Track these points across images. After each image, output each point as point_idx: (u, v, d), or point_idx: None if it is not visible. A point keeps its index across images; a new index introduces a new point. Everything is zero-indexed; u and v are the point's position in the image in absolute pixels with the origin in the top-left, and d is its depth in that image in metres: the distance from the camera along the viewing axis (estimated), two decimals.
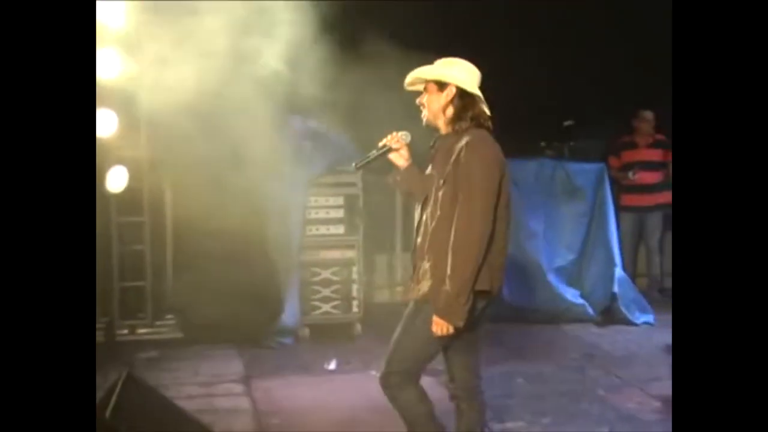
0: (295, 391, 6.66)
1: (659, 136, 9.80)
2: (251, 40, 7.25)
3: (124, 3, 7.66)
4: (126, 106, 8.06)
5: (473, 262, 4.14)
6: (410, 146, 4.59)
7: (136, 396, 4.54)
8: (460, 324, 4.19)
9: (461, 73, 4.43)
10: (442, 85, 4.40)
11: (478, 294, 4.25)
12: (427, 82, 4.46)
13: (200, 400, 6.38)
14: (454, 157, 4.25)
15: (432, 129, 4.54)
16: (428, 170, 4.51)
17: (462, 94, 4.38)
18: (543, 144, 10.02)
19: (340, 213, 8.34)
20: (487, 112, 4.42)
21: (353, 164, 4.68)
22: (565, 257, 9.11)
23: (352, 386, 6.75)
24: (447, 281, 4.16)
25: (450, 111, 4.40)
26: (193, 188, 8.06)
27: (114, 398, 4.24)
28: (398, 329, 4.44)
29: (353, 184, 8.37)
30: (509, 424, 5.91)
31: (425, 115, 4.48)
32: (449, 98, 4.38)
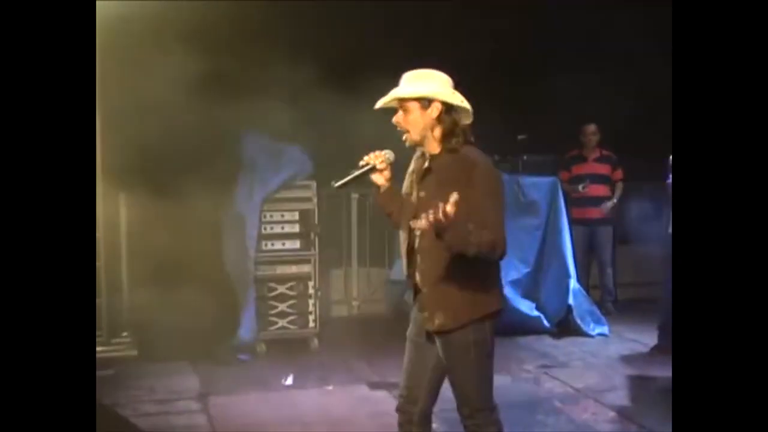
0: (252, 408, 6.63)
1: (605, 152, 10.01)
2: (205, 54, 7.28)
3: None
4: None
5: (470, 251, 3.93)
6: (392, 166, 4.35)
7: None
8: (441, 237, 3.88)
9: (442, 87, 4.17)
10: (425, 103, 4.13)
11: (489, 317, 4.21)
12: (405, 101, 4.15)
13: (157, 418, 6.34)
14: (462, 182, 3.97)
15: (412, 148, 4.30)
16: (416, 192, 4.27)
17: (448, 109, 4.13)
18: (497, 158, 10.09)
19: (295, 228, 8.34)
20: (469, 121, 4.23)
21: (332, 183, 4.32)
22: (519, 270, 9.16)
23: (309, 401, 6.75)
24: (476, 237, 3.91)
25: (438, 130, 4.14)
26: (148, 204, 8.04)
27: None
28: (444, 368, 4.32)
29: (308, 199, 8.38)
30: None
31: (407, 136, 4.18)
32: (435, 116, 4.12)
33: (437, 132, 4.16)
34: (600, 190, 9.94)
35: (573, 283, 9.03)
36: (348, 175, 4.33)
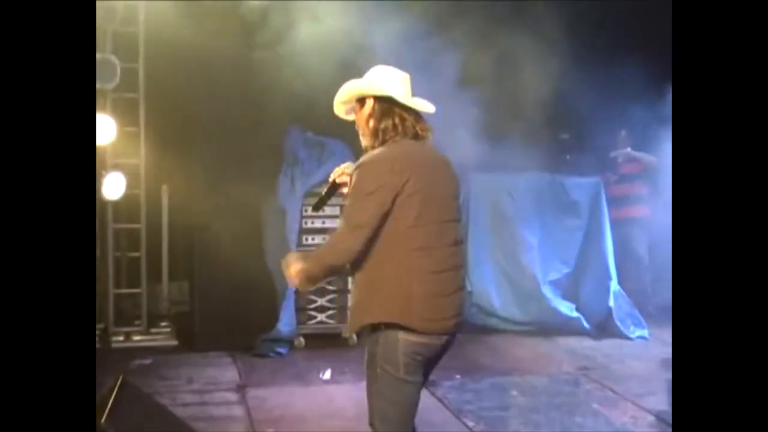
0: (289, 400, 6.65)
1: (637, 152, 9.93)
2: (252, 50, 7.30)
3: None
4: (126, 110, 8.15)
5: (326, 265, 3.95)
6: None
7: (131, 402, 4.55)
8: (295, 283, 4.05)
9: (377, 81, 4.06)
10: (362, 101, 4.07)
11: (400, 327, 3.85)
12: (353, 103, 4.14)
13: (195, 408, 6.38)
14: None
15: None
16: None
17: (381, 102, 4.01)
18: (539, 157, 10.04)
19: (336, 223, 8.32)
20: (414, 107, 4.05)
21: (311, 208, 4.42)
22: (560, 270, 9.12)
23: (346, 396, 6.75)
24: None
25: (372, 123, 4.03)
26: (191, 197, 8.09)
27: (109, 404, 4.25)
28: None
29: None
30: None
31: (361, 138, 4.15)
32: (370, 110, 4.03)
33: (372, 126, 4.04)
34: (631, 189, 9.85)
35: (614, 285, 8.96)
36: (320, 196, 4.44)
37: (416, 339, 3.87)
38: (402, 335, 3.85)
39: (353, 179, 3.91)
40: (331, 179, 4.33)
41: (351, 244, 3.85)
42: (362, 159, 3.96)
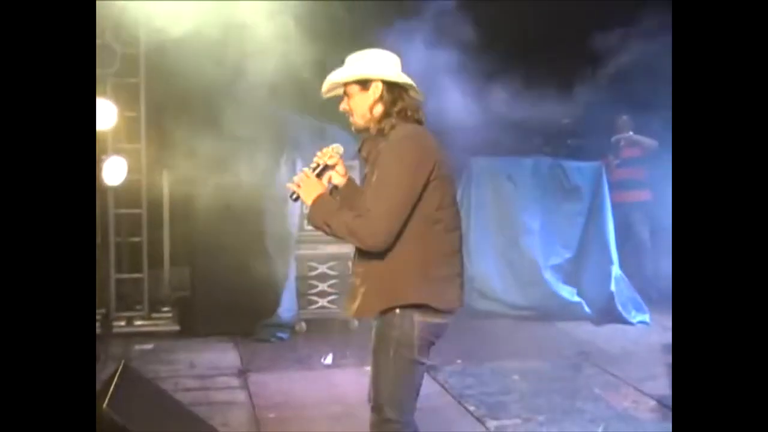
0: (291, 385, 6.66)
1: (637, 136, 9.92)
2: (255, 38, 7.26)
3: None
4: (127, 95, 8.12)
5: (346, 234, 3.78)
6: (343, 159, 4.16)
7: (132, 387, 4.55)
8: (305, 198, 3.95)
9: (383, 64, 3.96)
10: (365, 84, 3.93)
11: (416, 308, 3.82)
12: (347, 84, 3.98)
13: (197, 393, 6.39)
14: (377, 159, 3.86)
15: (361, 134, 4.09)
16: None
17: (390, 87, 3.92)
18: (540, 141, 10.03)
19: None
20: (419, 98, 4.02)
21: (289, 196, 4.14)
22: (561, 255, 9.12)
23: (347, 381, 6.75)
24: (335, 218, 3.83)
25: (378, 108, 3.92)
26: (192, 182, 8.08)
27: (111, 389, 4.25)
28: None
29: None
30: (504, 421, 5.92)
31: (354, 120, 4.00)
32: (378, 95, 3.92)
33: (377, 112, 3.94)
34: (633, 173, 9.84)
35: (615, 270, 8.96)
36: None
37: (432, 320, 3.88)
38: (418, 317, 3.84)
39: (384, 157, 3.82)
40: (321, 162, 4.09)
41: (387, 228, 3.75)
42: (393, 137, 3.87)
